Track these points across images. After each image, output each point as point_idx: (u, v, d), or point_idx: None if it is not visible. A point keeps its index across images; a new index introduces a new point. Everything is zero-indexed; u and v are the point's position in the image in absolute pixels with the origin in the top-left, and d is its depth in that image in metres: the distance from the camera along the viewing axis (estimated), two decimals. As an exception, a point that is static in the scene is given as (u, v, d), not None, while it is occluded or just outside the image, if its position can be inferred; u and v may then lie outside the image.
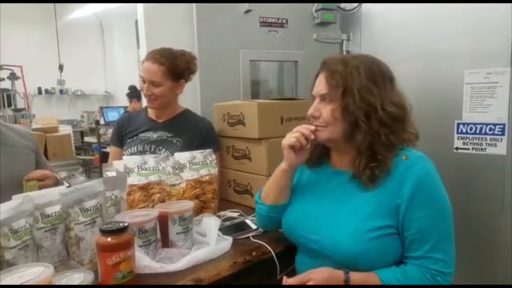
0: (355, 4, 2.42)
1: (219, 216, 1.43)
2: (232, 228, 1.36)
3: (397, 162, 1.02)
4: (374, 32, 2.37)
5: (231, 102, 1.78)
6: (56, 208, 1.05)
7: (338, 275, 0.98)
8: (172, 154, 1.39)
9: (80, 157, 5.74)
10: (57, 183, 1.49)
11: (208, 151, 1.43)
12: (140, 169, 1.31)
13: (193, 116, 1.81)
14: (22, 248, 0.93)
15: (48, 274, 0.83)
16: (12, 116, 6.03)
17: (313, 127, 1.08)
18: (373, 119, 1.01)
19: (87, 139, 7.04)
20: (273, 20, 2.30)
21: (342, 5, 2.46)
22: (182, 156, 1.37)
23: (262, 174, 1.61)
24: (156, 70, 1.63)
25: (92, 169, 5.81)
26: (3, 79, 1.28)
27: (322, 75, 1.08)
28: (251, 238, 1.30)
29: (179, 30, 3.00)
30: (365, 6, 2.40)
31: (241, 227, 1.37)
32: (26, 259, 0.94)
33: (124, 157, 1.40)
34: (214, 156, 1.44)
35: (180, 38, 2.44)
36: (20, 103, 6.59)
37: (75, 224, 1.05)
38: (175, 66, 1.66)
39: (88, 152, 6.54)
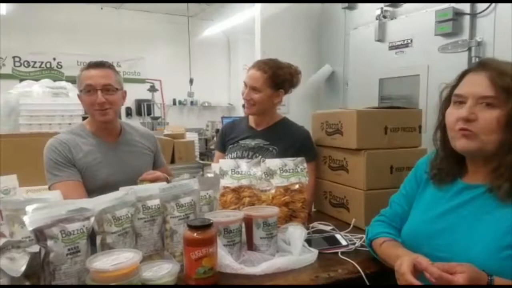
0: (486, 5, 2.14)
1: (308, 227, 1.39)
2: (321, 241, 1.31)
3: None
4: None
5: (330, 110, 1.73)
6: (156, 202, 1.15)
7: (481, 275, 0.84)
8: (264, 160, 1.41)
9: (201, 161, 6.28)
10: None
11: (299, 159, 1.40)
12: (233, 172, 1.36)
13: (290, 125, 1.81)
14: (122, 234, 1.05)
15: (136, 260, 0.91)
16: (150, 123, 6.94)
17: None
18: None
19: (210, 145, 7.67)
20: (400, 43, 2.64)
21: (471, 8, 2.25)
22: (273, 163, 1.38)
23: (359, 187, 1.51)
24: (258, 77, 1.70)
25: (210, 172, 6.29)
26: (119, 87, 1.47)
27: (482, 74, 0.95)
28: (339, 254, 1.23)
29: (296, 46, 3.19)
30: (500, 7, 2.11)
31: (331, 241, 1.31)
32: (124, 245, 1.05)
33: (220, 160, 1.47)
34: (305, 165, 1.41)
35: (296, 54, 2.81)
36: (157, 112, 7.55)
37: (171, 217, 1.14)
38: (277, 76, 1.71)
39: (210, 158, 7.11)
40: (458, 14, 2.25)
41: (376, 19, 2.72)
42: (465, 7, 2.23)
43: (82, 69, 1.63)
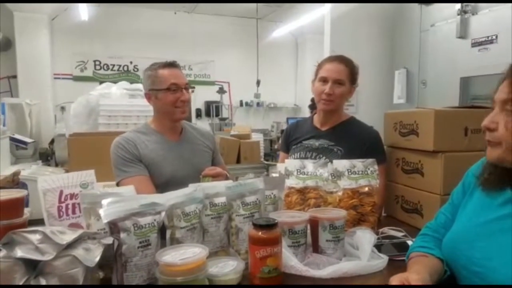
0: None
1: (378, 233, 1.32)
2: (391, 247, 1.23)
3: None
4: None
5: (405, 110, 1.63)
6: (222, 199, 1.17)
7: None
8: (331, 161, 1.36)
9: (266, 162, 6.32)
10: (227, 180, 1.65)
11: (370, 160, 1.34)
12: (298, 173, 1.34)
13: (358, 124, 1.73)
14: (190, 229, 1.08)
15: (203, 255, 0.93)
16: (218, 124, 7.16)
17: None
18: None
19: (275, 146, 7.70)
20: (484, 39, 2.49)
21: None
22: (341, 164, 1.33)
23: (435, 192, 1.41)
24: (342, 70, 1.65)
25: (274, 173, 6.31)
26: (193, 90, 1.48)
27: (509, 79, 0.89)
28: (412, 262, 1.14)
29: (367, 44, 3.07)
30: None
31: (402, 248, 1.22)
32: (192, 240, 1.08)
33: (286, 160, 1.45)
34: (376, 167, 1.34)
35: (367, 53, 2.66)
36: (225, 113, 7.75)
37: (236, 215, 1.16)
38: (354, 71, 1.69)
39: (274, 158, 7.14)
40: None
41: (458, 14, 2.54)
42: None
43: (156, 68, 1.65)
